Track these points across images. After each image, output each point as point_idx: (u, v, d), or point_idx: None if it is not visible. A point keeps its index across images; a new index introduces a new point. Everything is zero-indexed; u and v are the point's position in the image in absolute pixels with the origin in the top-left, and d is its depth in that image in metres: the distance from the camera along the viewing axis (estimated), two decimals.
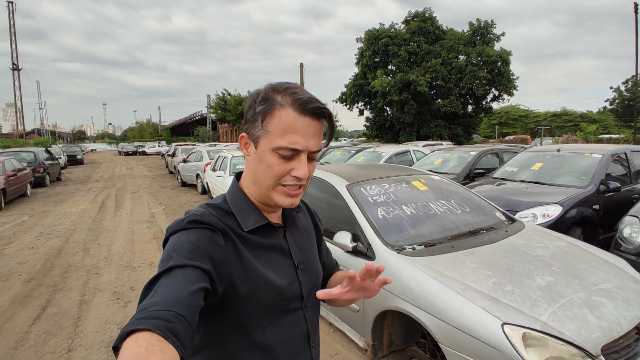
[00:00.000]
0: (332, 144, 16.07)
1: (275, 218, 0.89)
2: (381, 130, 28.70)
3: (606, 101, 52.08)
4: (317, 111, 0.78)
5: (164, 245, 0.77)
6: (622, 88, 45.37)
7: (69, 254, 5.44)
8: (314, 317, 0.94)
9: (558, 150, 5.55)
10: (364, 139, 34.40)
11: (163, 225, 7.24)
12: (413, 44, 26.39)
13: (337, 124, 36.93)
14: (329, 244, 2.86)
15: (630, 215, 3.69)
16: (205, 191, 10.37)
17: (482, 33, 26.62)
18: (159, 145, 43.96)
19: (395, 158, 9.05)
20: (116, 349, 0.54)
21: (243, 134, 0.84)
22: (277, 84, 0.81)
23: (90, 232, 6.76)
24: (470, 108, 27.77)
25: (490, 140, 40.40)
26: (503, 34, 26.90)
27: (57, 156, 17.87)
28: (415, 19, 27.09)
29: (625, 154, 5.26)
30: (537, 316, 1.91)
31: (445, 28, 27.73)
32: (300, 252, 0.92)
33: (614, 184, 4.62)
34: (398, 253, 2.48)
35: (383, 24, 27.73)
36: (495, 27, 26.68)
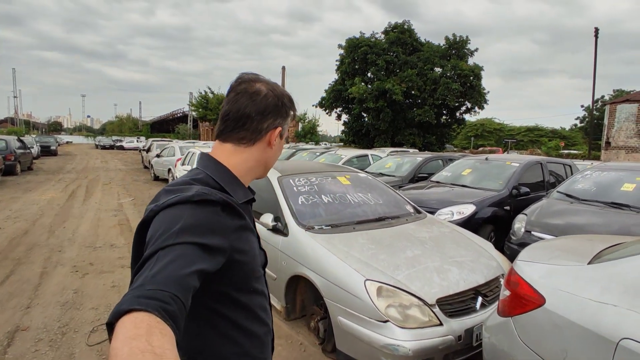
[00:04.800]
0: (306, 146, 16.64)
1: None
2: (358, 136, 29.50)
3: (576, 119, 54.75)
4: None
5: (153, 214, 0.76)
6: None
7: (35, 235, 5.82)
8: (266, 281, 1.06)
9: (486, 159, 6.28)
10: (341, 144, 35.16)
11: (129, 213, 7.64)
12: (391, 53, 27.35)
13: (319, 128, 37.87)
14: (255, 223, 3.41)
15: (522, 214, 4.38)
16: None
17: (457, 47, 27.81)
18: (137, 141, 43.59)
19: (356, 161, 9.71)
20: (111, 325, 0.54)
21: (280, 128, 0.94)
22: (283, 89, 0.98)
23: (57, 217, 7.11)
24: (443, 119, 28.89)
25: (465, 150, 41.99)
26: (476, 50, 28.21)
27: (29, 146, 17.83)
28: (395, 30, 28.08)
29: (541, 164, 6.03)
30: (395, 276, 2.52)
31: (423, 40, 28.81)
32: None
33: (524, 189, 5.35)
34: (307, 231, 3.05)
35: (364, 33, 28.64)
36: (469, 43, 27.96)
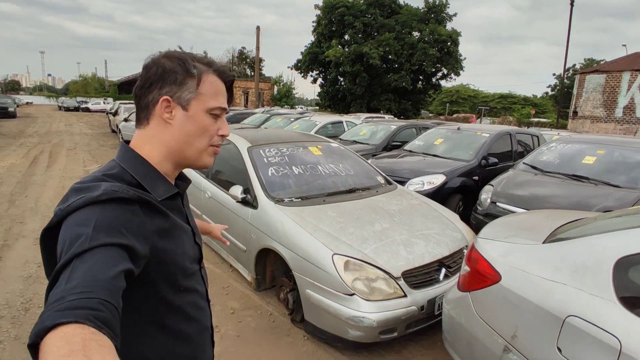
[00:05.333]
0: (282, 110, 16.30)
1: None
2: (334, 100, 29.16)
3: (548, 87, 55.88)
4: (231, 79, 0.90)
5: (59, 223, 0.68)
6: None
7: None
8: (206, 277, 1.00)
9: (458, 129, 6.35)
10: (317, 108, 34.73)
11: None
12: (369, 15, 26.64)
13: (295, 91, 37.11)
14: (225, 194, 3.37)
15: (489, 184, 4.50)
16: None
17: (436, 11, 27.34)
18: (104, 102, 41.44)
19: (331, 127, 9.61)
20: (35, 345, 0.48)
21: (166, 97, 0.80)
22: (186, 53, 0.86)
23: (19, 185, 6.79)
24: (420, 84, 28.83)
25: (440, 117, 42.43)
26: (455, 15, 27.81)
27: None
28: None
29: (510, 135, 6.15)
30: (362, 249, 2.56)
31: (401, 3, 28.13)
32: (191, 217, 0.96)
33: (492, 160, 5.48)
34: (276, 204, 3.03)
35: None
36: (449, 7, 27.51)
